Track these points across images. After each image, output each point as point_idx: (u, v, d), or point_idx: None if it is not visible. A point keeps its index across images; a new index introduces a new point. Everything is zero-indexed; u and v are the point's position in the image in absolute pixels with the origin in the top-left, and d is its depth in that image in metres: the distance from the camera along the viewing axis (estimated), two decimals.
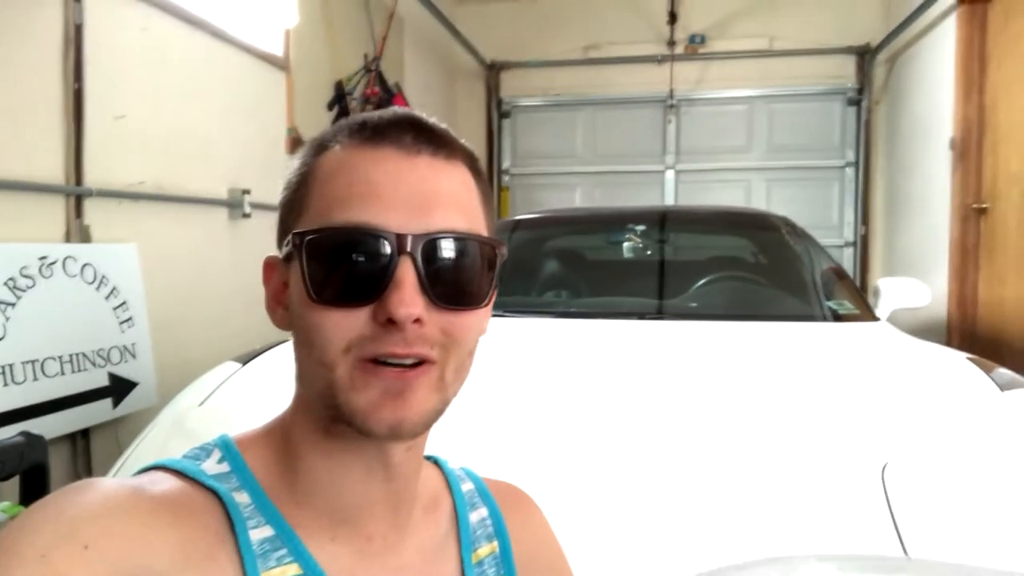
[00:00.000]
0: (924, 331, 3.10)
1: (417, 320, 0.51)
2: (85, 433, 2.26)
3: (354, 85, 4.17)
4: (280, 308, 0.59)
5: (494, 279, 0.58)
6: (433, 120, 0.58)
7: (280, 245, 0.58)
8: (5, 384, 1.95)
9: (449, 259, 0.54)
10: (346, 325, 0.52)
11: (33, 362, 2.04)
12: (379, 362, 0.52)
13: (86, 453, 2.27)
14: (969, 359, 1.65)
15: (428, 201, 0.54)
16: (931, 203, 4.38)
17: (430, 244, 0.53)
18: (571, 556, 0.77)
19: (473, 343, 0.58)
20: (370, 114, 0.58)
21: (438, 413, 0.55)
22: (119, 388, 2.32)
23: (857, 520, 1.05)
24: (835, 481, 1.13)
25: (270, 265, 0.61)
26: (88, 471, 2.25)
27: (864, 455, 1.18)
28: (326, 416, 0.55)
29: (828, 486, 1.12)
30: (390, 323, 0.51)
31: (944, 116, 4.15)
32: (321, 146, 0.58)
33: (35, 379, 2.04)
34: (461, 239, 0.55)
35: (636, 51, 5.82)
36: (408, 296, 0.51)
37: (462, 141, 0.60)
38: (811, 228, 2.85)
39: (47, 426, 2.06)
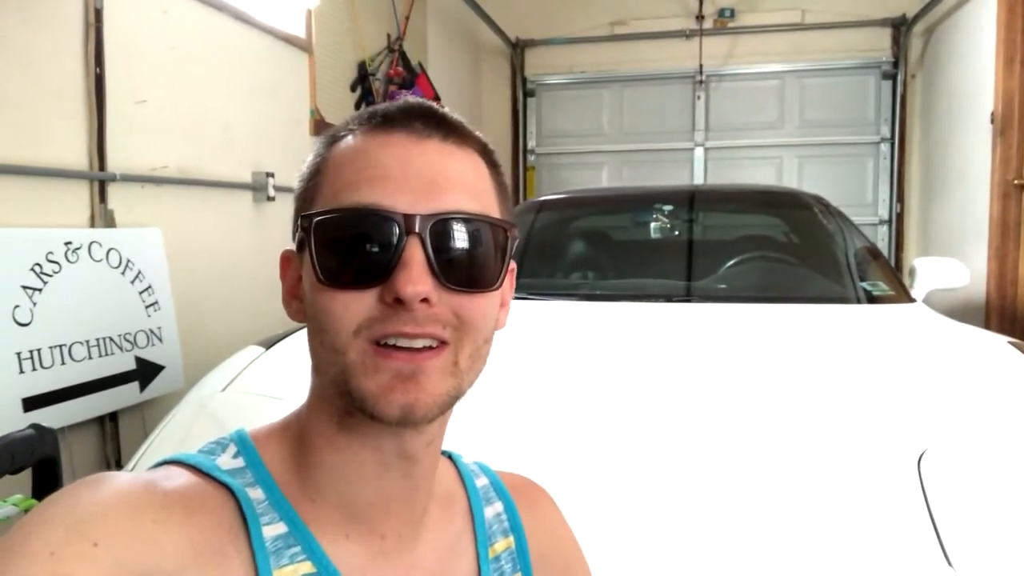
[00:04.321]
0: (961, 313, 3.01)
1: (425, 300, 0.51)
2: (113, 417, 2.29)
3: (377, 65, 4.14)
4: (296, 301, 0.59)
5: (505, 262, 0.57)
6: (446, 110, 0.58)
7: (294, 237, 0.58)
8: (33, 369, 1.97)
9: (458, 240, 0.54)
10: (355, 307, 0.52)
11: (60, 347, 2.06)
12: (390, 345, 0.51)
13: (115, 437, 2.30)
14: (1010, 343, 1.59)
15: (437, 183, 0.54)
16: (969, 179, 4.25)
17: (438, 224, 0.53)
18: (592, 550, 0.75)
19: (487, 329, 0.57)
20: (382, 104, 0.58)
21: (452, 399, 0.54)
22: (146, 372, 2.34)
23: (891, 512, 1.01)
24: (869, 471, 1.09)
25: (286, 259, 0.61)
26: (117, 454, 2.28)
27: (899, 443, 1.14)
28: (340, 406, 0.54)
29: (861, 476, 1.08)
30: (398, 303, 0.51)
31: (984, 89, 4.02)
32: (334, 137, 0.58)
33: (63, 363, 2.06)
34: (470, 220, 0.54)
35: (664, 26, 5.71)
36: (415, 275, 0.50)
37: (478, 134, 0.60)
38: (844, 206, 2.77)
39: (75, 410, 2.08)
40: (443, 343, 0.53)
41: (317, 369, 0.56)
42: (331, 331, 0.52)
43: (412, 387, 0.51)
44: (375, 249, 0.52)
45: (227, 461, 0.55)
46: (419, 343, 0.52)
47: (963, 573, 0.92)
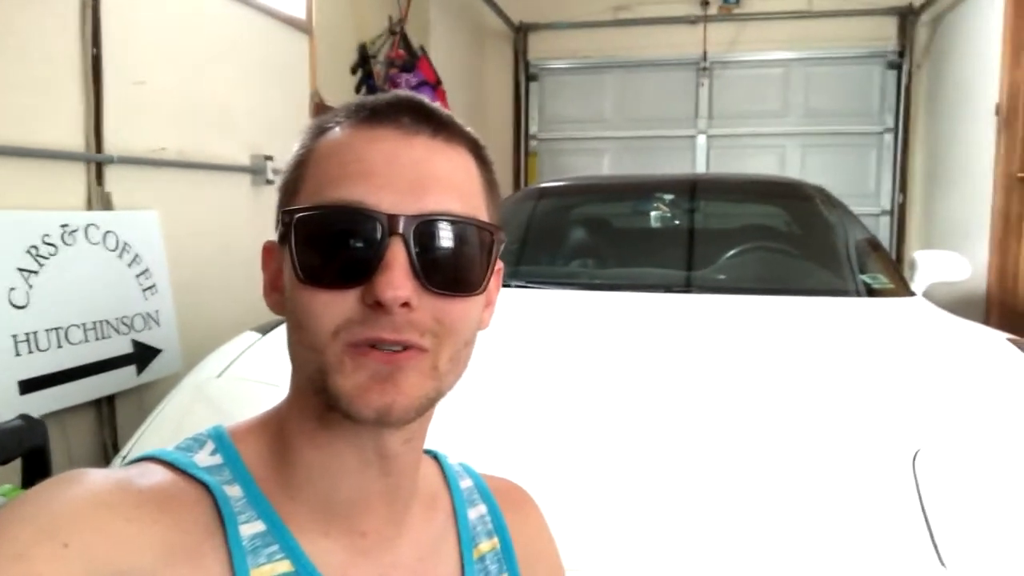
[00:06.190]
0: (962, 306, 3.00)
1: (406, 304, 0.50)
2: (110, 400, 2.29)
3: (378, 48, 4.11)
4: (276, 293, 0.58)
5: (491, 266, 0.56)
6: (436, 105, 0.57)
7: (276, 228, 0.56)
8: (30, 352, 1.96)
9: (443, 242, 0.52)
10: (335, 307, 0.50)
11: (57, 329, 2.05)
12: (368, 346, 0.50)
13: (111, 420, 2.29)
14: (1009, 339, 1.58)
15: (423, 182, 0.52)
16: (973, 172, 4.23)
17: (423, 226, 0.51)
18: (588, 543, 0.75)
19: (469, 333, 0.56)
20: (370, 96, 0.57)
21: (430, 401, 0.54)
22: (143, 355, 2.33)
23: (885, 511, 1.01)
24: (863, 468, 1.09)
25: (268, 250, 0.60)
26: (113, 437, 2.28)
27: (894, 441, 1.13)
28: (319, 403, 0.53)
29: (855, 474, 1.08)
30: (378, 306, 0.49)
31: (990, 81, 3.99)
32: (320, 129, 0.57)
33: (59, 346, 2.05)
34: (456, 222, 0.53)
35: (668, 12, 5.67)
36: (397, 279, 0.49)
37: (469, 129, 0.58)
38: (846, 196, 2.76)
39: (72, 393, 2.08)
40: (422, 350, 0.52)
41: (295, 365, 0.55)
42: (309, 330, 0.51)
43: (389, 388, 0.50)
44: (357, 249, 0.50)
45: (205, 458, 0.54)
46: (397, 347, 0.51)
47: (956, 573, 0.92)
